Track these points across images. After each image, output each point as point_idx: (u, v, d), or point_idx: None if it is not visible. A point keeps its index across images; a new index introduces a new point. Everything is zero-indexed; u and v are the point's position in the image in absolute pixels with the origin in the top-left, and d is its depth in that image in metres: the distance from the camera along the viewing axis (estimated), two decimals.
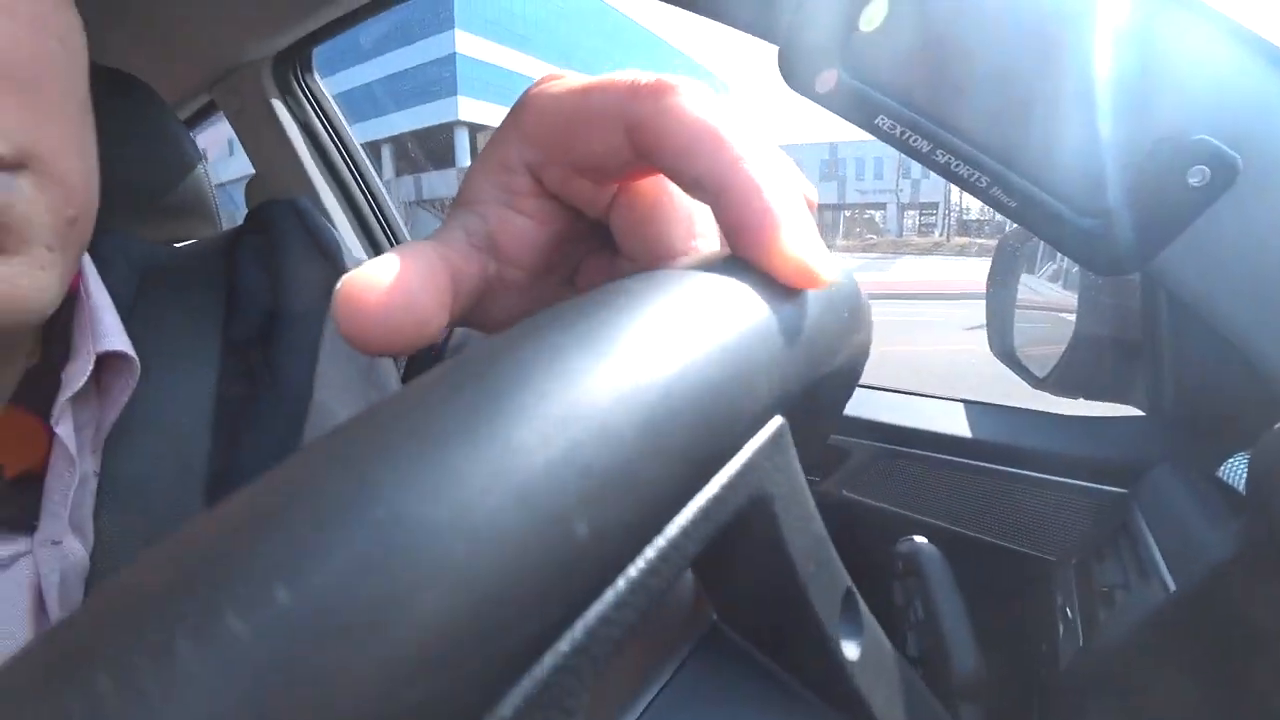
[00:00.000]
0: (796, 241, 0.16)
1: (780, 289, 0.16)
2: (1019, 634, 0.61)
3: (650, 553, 0.12)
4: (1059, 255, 0.62)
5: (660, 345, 0.13)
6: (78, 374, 0.33)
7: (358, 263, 0.45)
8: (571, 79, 0.20)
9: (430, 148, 36.53)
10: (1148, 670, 0.42)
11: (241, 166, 1.21)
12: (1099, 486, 0.61)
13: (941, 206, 41.84)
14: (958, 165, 0.35)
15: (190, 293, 0.43)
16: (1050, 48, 0.33)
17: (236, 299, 0.44)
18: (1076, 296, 0.66)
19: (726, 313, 0.14)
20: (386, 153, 35.15)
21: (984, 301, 0.83)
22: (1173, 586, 0.43)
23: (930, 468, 0.71)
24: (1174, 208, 0.33)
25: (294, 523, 0.09)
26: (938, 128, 0.34)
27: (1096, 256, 0.35)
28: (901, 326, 8.81)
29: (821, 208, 46.04)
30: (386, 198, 1.20)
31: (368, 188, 1.17)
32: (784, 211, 0.17)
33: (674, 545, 0.12)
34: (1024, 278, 0.85)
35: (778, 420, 0.15)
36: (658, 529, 0.12)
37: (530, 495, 0.10)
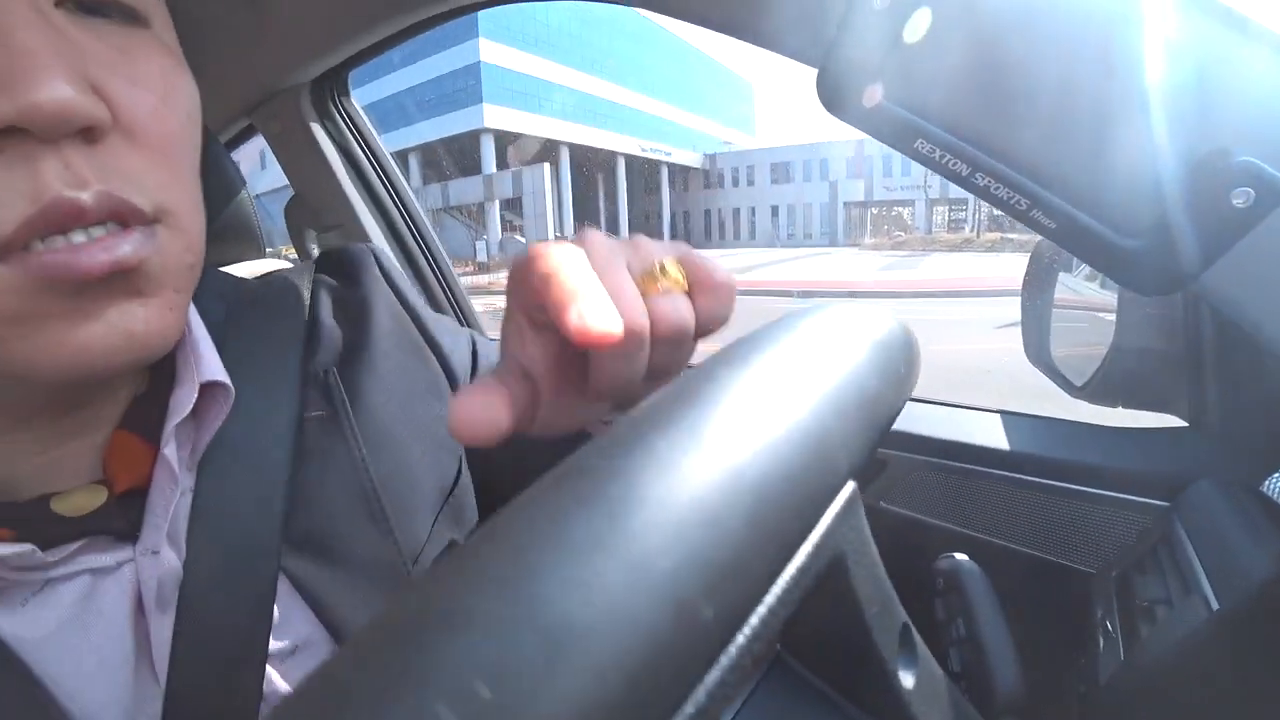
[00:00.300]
0: (575, 316, 0.24)
1: (849, 363, 0.18)
2: (1059, 647, 0.60)
3: (754, 621, 0.14)
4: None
5: (754, 439, 0.14)
6: (184, 401, 0.37)
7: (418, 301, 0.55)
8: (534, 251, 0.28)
9: (456, 155, 37.06)
10: (1191, 688, 0.42)
11: (273, 179, 1.24)
12: (1140, 499, 0.60)
13: (971, 202, 41.15)
14: (997, 188, 0.35)
15: (272, 325, 0.47)
16: (1089, 68, 0.33)
17: (316, 335, 0.48)
18: (1115, 297, 0.65)
19: (805, 396, 0.16)
20: (414, 161, 35.72)
21: (1016, 299, 0.82)
22: (1216, 604, 0.42)
23: (969, 479, 0.71)
24: (1219, 228, 0.33)
25: (484, 629, 0.11)
26: (977, 150, 0.34)
27: (1139, 277, 0.35)
28: (930, 325, 8.68)
29: (849, 205, 45.56)
30: (422, 215, 1.22)
31: (404, 205, 1.20)
32: (562, 296, 0.25)
33: (771, 612, 0.14)
34: (1061, 276, 0.84)
35: (850, 485, 0.17)
36: (760, 601, 0.14)
37: (665, 594, 0.11)
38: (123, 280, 0.29)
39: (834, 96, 0.35)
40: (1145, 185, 0.34)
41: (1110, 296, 0.68)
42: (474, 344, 0.59)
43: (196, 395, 0.38)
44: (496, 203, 32.51)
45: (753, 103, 63.63)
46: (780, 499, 0.14)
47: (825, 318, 0.22)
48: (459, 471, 0.53)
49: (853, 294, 12.96)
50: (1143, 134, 0.33)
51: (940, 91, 0.34)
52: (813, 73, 0.37)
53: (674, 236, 48.36)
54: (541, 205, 29.33)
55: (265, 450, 0.42)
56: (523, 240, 29.57)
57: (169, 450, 0.36)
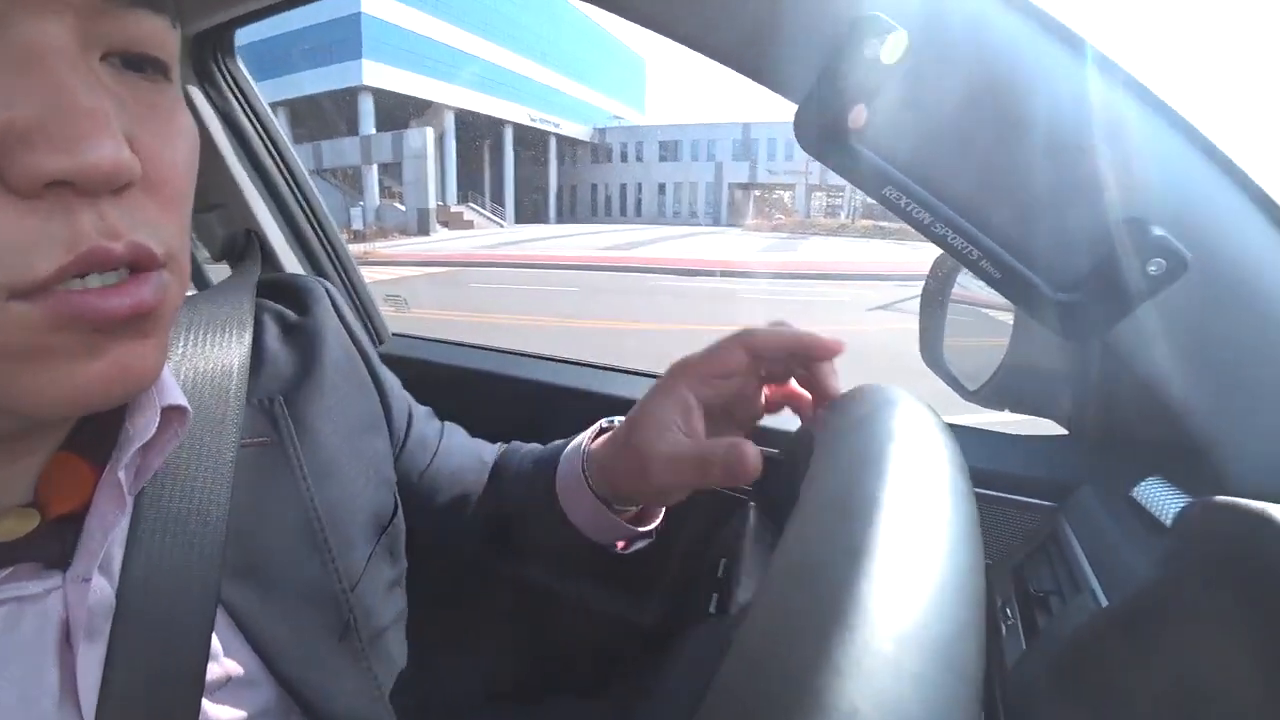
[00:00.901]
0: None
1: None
2: None
3: None
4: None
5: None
6: (146, 426, 0.36)
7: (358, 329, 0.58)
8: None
9: (332, 113, 34.49)
10: (1089, 677, 0.47)
11: None
12: (1029, 500, 0.67)
13: (847, 191, 43.40)
14: (954, 238, 0.38)
15: (219, 349, 0.45)
16: (1034, 146, 0.36)
17: (263, 361, 0.49)
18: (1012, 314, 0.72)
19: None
20: (283, 116, 32.84)
21: (888, 283, 0.88)
22: (1104, 600, 0.48)
23: None
24: (1133, 289, 0.37)
25: None
26: (940, 203, 0.37)
27: (1064, 325, 0.39)
28: (808, 306, 9.15)
29: (733, 186, 46.76)
30: (318, 197, 1.13)
31: (296, 184, 1.10)
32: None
33: None
34: (960, 276, 0.90)
35: None
36: None
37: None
38: (137, 322, 0.30)
39: (812, 136, 0.37)
40: (1077, 247, 0.37)
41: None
42: (409, 408, 0.63)
43: (159, 420, 0.37)
44: (374, 167, 30.27)
45: (644, 78, 63.56)
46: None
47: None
48: (395, 508, 0.55)
49: (736, 273, 13.37)
50: (1076, 205, 0.37)
51: (910, 147, 0.36)
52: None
53: (560, 210, 48.03)
54: (422, 171, 27.36)
55: (207, 477, 0.41)
56: (401, 208, 27.96)
57: (123, 474, 0.35)
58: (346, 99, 32.93)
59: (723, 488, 0.45)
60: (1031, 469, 0.68)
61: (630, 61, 60.16)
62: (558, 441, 0.58)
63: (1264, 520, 0.31)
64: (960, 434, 0.76)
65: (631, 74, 60.35)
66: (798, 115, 0.38)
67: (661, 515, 0.57)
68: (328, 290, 0.56)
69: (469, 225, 32.04)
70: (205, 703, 0.38)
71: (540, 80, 45.96)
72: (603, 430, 0.55)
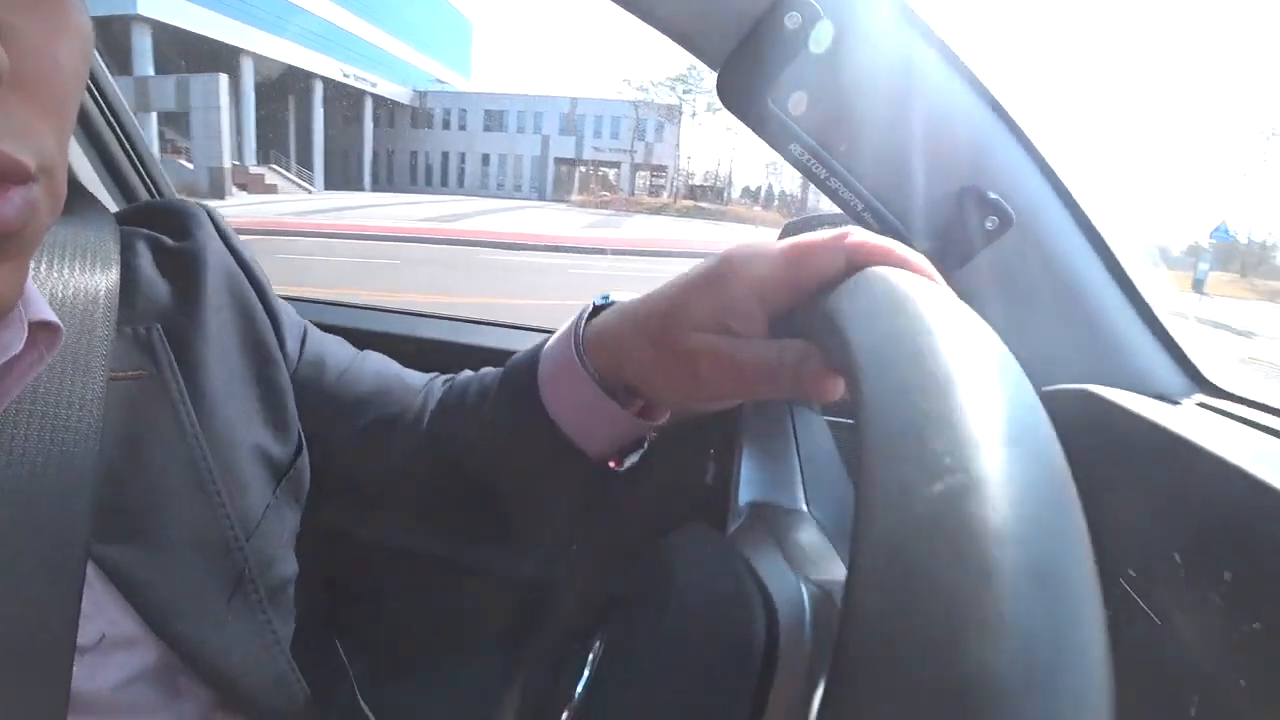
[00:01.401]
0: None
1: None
2: None
3: None
4: None
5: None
6: (11, 342, 0.32)
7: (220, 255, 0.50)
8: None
9: (99, 45, 29.05)
10: None
11: None
12: None
13: (670, 170, 44.97)
14: (844, 192, 0.45)
15: (81, 276, 0.40)
16: (907, 125, 0.44)
17: (136, 288, 0.44)
18: None
19: None
20: None
21: (703, 259, 0.99)
22: None
23: None
24: (975, 239, 0.46)
25: None
26: (834, 161, 0.44)
27: None
28: (633, 282, 9.41)
29: (559, 161, 46.47)
30: (136, 124, 1.00)
31: (111, 110, 0.97)
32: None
33: None
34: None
35: None
36: None
37: None
38: None
39: (734, 95, 0.42)
40: (937, 206, 0.46)
41: None
42: (305, 329, 0.56)
43: (26, 333, 0.33)
44: (154, 116, 25.82)
45: (470, 42, 60.91)
46: None
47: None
48: (299, 449, 0.51)
49: (564, 249, 13.40)
50: (937, 174, 0.46)
51: (816, 115, 0.43)
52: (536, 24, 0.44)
53: (375, 176, 44.88)
54: (215, 124, 23.67)
55: (72, 415, 0.36)
56: (190, 165, 24.36)
57: None
58: (118, 31, 28.07)
59: (789, 400, 0.38)
60: None
61: (456, 23, 57.30)
62: (526, 349, 0.47)
63: (1109, 404, 0.41)
64: None
65: (457, 36, 57.57)
66: (721, 76, 0.44)
67: (668, 414, 0.46)
68: (210, 214, 0.50)
69: (271, 189, 28.78)
70: (76, 669, 0.34)
71: (356, 33, 42.26)
72: (595, 310, 0.44)
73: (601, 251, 13.54)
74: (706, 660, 0.29)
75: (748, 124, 0.43)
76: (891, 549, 0.15)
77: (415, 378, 0.56)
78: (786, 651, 0.26)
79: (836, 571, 0.32)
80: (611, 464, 0.45)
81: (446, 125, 47.40)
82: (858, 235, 0.31)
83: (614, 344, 0.40)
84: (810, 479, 0.40)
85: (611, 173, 48.02)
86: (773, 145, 0.44)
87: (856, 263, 0.31)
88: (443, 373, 0.57)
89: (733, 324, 0.35)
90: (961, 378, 0.18)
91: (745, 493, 0.37)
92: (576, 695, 0.32)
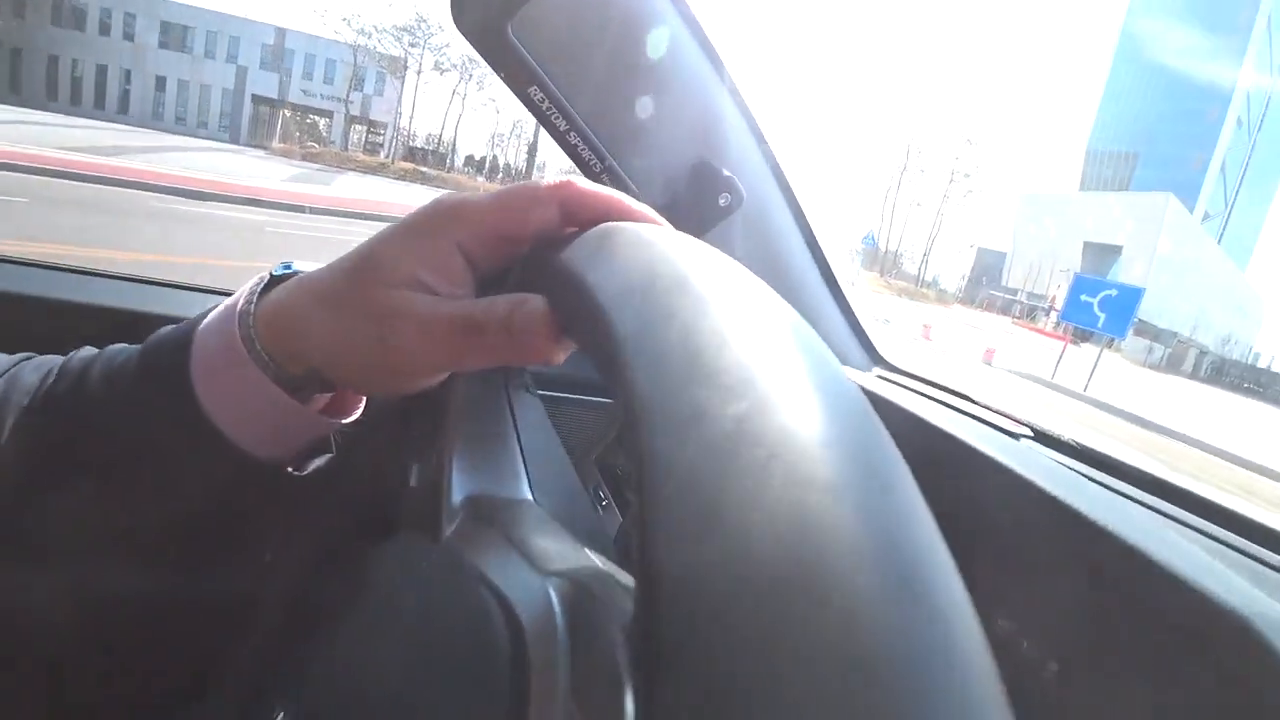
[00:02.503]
0: None
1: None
2: None
3: None
4: None
5: None
6: None
7: None
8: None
9: None
10: None
11: None
12: (604, 400, 0.78)
13: (390, 128, 41.91)
14: (583, 149, 0.42)
15: None
16: (655, 94, 0.43)
17: None
18: None
19: None
20: None
21: None
22: None
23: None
24: (708, 216, 0.47)
25: None
26: (576, 114, 0.40)
27: None
28: (342, 247, 8.60)
29: (258, 100, 40.57)
30: None
31: None
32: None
33: None
34: None
35: None
36: None
37: None
38: None
39: (471, 19, 0.36)
40: (675, 177, 0.45)
41: None
42: None
43: None
44: None
45: None
46: None
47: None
48: None
49: (263, 203, 11.76)
50: (677, 145, 0.45)
51: (562, 62, 0.39)
52: None
53: None
54: None
55: None
56: None
57: None
58: None
59: (503, 365, 0.31)
60: (594, 371, 0.80)
61: None
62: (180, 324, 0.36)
63: None
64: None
65: None
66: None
67: (362, 406, 0.39)
68: None
69: None
70: None
71: None
72: (271, 282, 0.35)
73: (302, 209, 12.15)
74: (440, 694, 0.24)
75: (483, 53, 0.38)
76: (689, 480, 0.13)
77: None
78: (539, 659, 0.22)
79: (578, 560, 0.28)
80: (290, 469, 0.37)
81: (105, 30, 38.13)
82: (580, 183, 0.29)
83: (293, 319, 0.32)
84: (532, 465, 0.36)
85: (322, 122, 43.32)
86: (510, 84, 0.39)
87: (578, 215, 0.28)
88: (90, 346, 0.41)
89: (433, 281, 0.29)
90: (729, 301, 0.17)
91: (460, 489, 0.32)
92: None
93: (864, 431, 0.14)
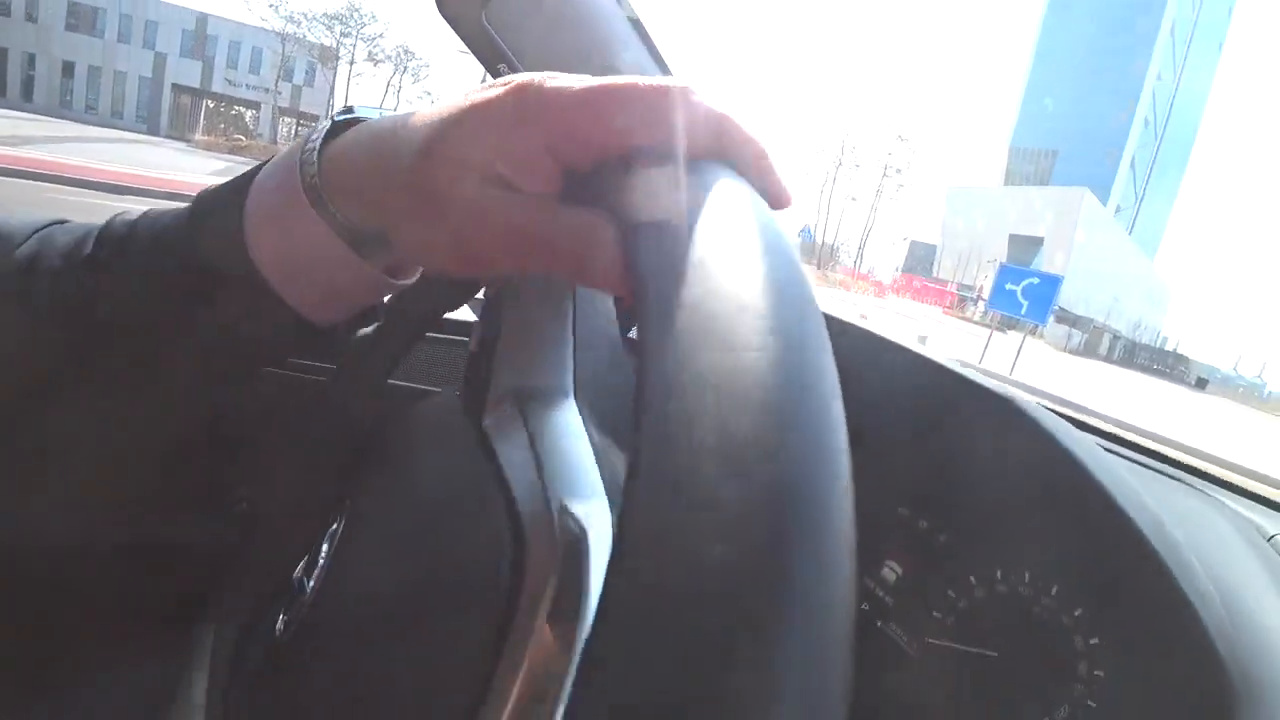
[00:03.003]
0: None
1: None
2: None
3: None
4: None
5: None
6: None
7: None
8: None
9: None
10: None
11: None
12: None
13: (321, 120, 40.41)
14: None
15: None
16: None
17: None
18: None
19: None
20: None
21: None
22: None
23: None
24: None
25: None
26: None
27: None
28: None
29: (179, 89, 38.61)
30: None
31: None
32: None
33: None
34: None
35: None
36: None
37: None
38: None
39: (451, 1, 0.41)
40: None
41: None
42: None
43: None
44: None
45: None
46: None
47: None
48: None
49: (179, 196, 11.21)
50: None
51: (531, 50, 0.44)
52: None
53: None
54: None
55: None
56: None
57: None
58: None
59: (569, 277, 0.27)
60: None
61: None
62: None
63: None
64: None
65: None
66: None
67: (418, 273, 0.36)
68: None
69: None
70: None
71: None
72: (333, 129, 0.32)
73: None
74: (438, 599, 0.28)
75: (460, 34, 0.43)
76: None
77: (14, 225, 0.36)
78: (531, 589, 0.26)
79: (592, 489, 0.30)
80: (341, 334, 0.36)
81: (5, 10, 35.53)
82: (698, 94, 0.24)
83: (361, 179, 0.30)
84: (582, 358, 0.37)
85: (249, 114, 41.67)
86: (482, 62, 0.45)
87: (691, 137, 0.23)
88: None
89: (515, 177, 0.26)
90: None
91: (508, 378, 0.33)
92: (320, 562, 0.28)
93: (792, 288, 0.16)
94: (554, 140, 0.25)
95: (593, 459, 0.33)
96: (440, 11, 0.43)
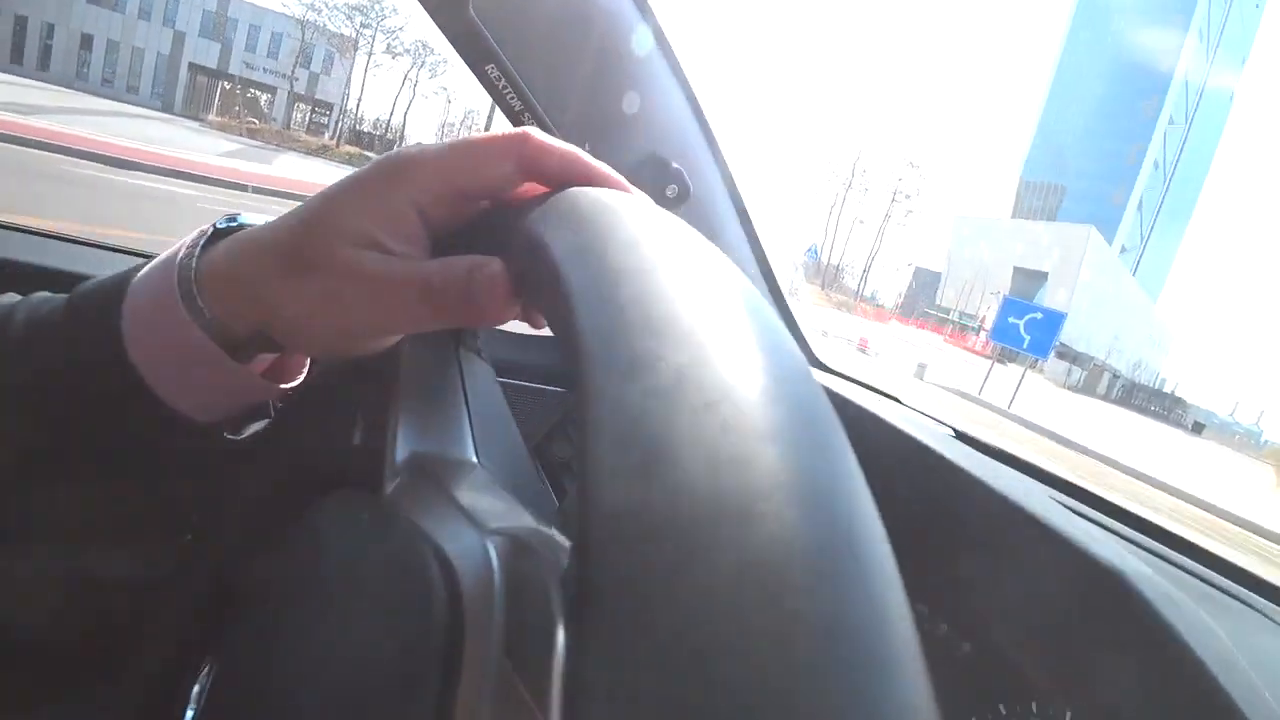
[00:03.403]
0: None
1: None
2: None
3: None
4: None
5: None
6: None
7: None
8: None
9: None
10: None
11: None
12: (548, 387, 0.78)
13: (336, 109, 40.62)
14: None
15: None
16: (610, 85, 0.44)
17: None
18: None
19: None
20: None
21: None
22: None
23: None
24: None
25: None
26: (534, 98, 0.40)
27: None
28: None
29: (196, 68, 38.75)
30: None
31: None
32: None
33: None
34: None
35: None
36: None
37: None
38: None
39: None
40: (621, 161, 0.46)
41: None
42: None
43: None
44: None
45: None
46: None
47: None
48: None
49: (195, 176, 11.23)
50: (628, 135, 0.46)
51: (521, 38, 0.39)
52: None
53: None
54: None
55: None
56: None
57: None
58: None
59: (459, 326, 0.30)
60: (548, 360, 0.80)
61: None
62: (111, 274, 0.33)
63: None
64: (493, 336, 0.84)
65: None
66: None
67: (306, 370, 0.38)
68: None
69: None
70: None
71: None
72: (216, 234, 0.32)
73: (243, 187, 11.67)
74: (373, 651, 0.24)
75: (442, 26, 0.38)
76: (631, 420, 0.14)
77: None
78: (475, 618, 0.22)
79: (519, 519, 0.28)
80: (226, 433, 0.35)
81: None
82: (538, 136, 0.27)
83: (239, 275, 0.30)
84: (480, 429, 0.36)
85: (264, 98, 41.68)
86: (467, 61, 0.39)
87: (537, 170, 0.27)
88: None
89: (387, 240, 0.28)
90: (683, 261, 0.18)
91: (404, 446, 0.31)
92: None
93: (803, 389, 0.15)
94: (420, 198, 0.28)
95: (519, 507, 0.31)
96: (423, 4, 0.37)
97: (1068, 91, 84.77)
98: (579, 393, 0.16)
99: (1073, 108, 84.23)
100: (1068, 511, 0.42)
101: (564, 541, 0.26)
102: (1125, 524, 0.51)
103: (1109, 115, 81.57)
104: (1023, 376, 14.75)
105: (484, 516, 0.26)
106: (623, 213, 0.22)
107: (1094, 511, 0.51)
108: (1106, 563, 0.32)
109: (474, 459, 0.34)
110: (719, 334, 0.16)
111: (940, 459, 0.42)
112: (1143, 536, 0.49)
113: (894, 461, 0.43)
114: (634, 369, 0.15)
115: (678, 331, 0.15)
